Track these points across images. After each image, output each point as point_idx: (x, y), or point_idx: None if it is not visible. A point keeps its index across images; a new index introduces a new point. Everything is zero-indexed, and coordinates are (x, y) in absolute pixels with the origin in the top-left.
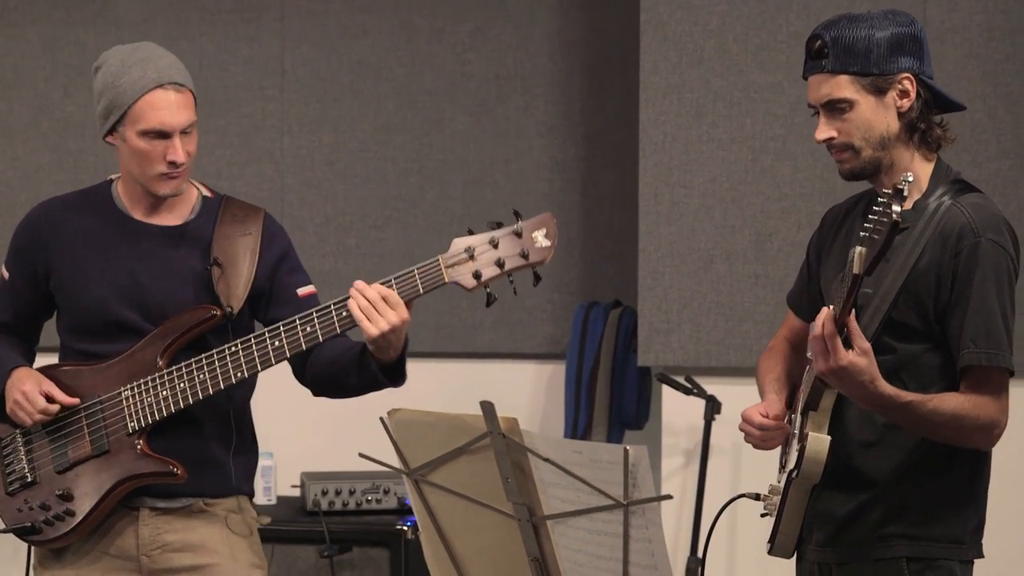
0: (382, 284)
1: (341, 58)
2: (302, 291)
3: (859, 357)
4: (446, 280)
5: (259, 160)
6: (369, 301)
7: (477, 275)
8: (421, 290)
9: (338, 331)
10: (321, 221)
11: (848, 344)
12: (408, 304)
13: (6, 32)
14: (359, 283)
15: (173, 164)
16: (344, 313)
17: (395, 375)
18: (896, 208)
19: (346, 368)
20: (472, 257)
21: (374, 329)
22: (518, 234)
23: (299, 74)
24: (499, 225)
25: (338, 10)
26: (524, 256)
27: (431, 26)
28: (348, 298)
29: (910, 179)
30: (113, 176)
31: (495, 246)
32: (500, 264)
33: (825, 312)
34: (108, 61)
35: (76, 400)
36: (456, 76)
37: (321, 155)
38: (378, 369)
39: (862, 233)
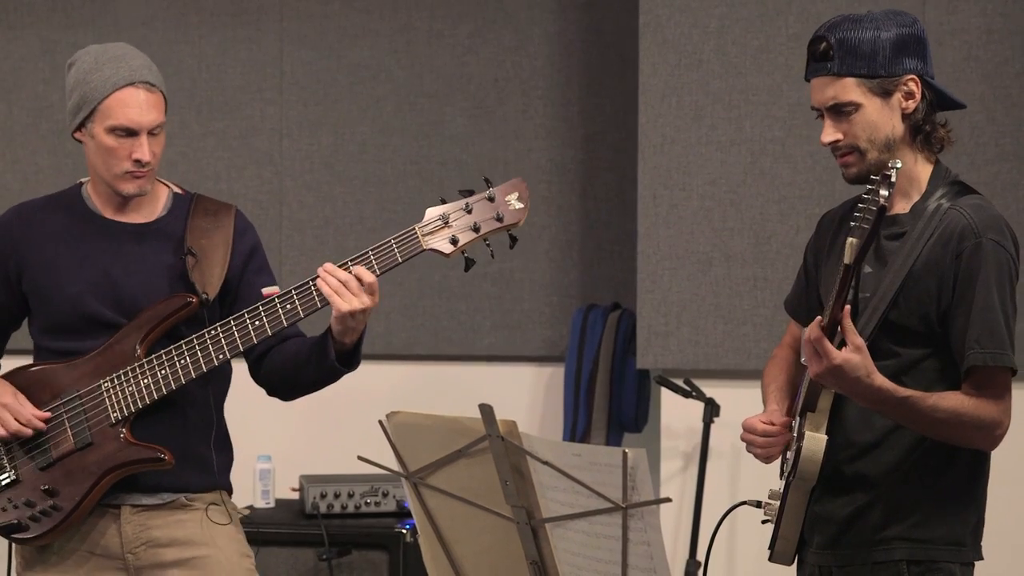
0: (359, 256)
1: (340, 60)
2: (266, 290)
3: (852, 354)
4: (424, 247)
5: (258, 162)
6: (340, 281)
7: (454, 240)
8: (399, 258)
9: (318, 306)
10: (320, 223)
11: (842, 342)
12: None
13: (6, 34)
14: (328, 265)
15: (138, 163)
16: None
17: (349, 360)
18: (884, 193)
19: (306, 360)
20: (447, 224)
21: (345, 305)
22: (491, 199)
23: (298, 76)
24: (471, 192)
25: (337, 12)
26: (499, 219)
27: (430, 28)
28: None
29: (898, 165)
30: (82, 180)
31: (469, 211)
32: (476, 228)
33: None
34: (81, 59)
35: (45, 417)
36: (455, 78)
37: (320, 157)
38: (335, 356)
39: (852, 223)
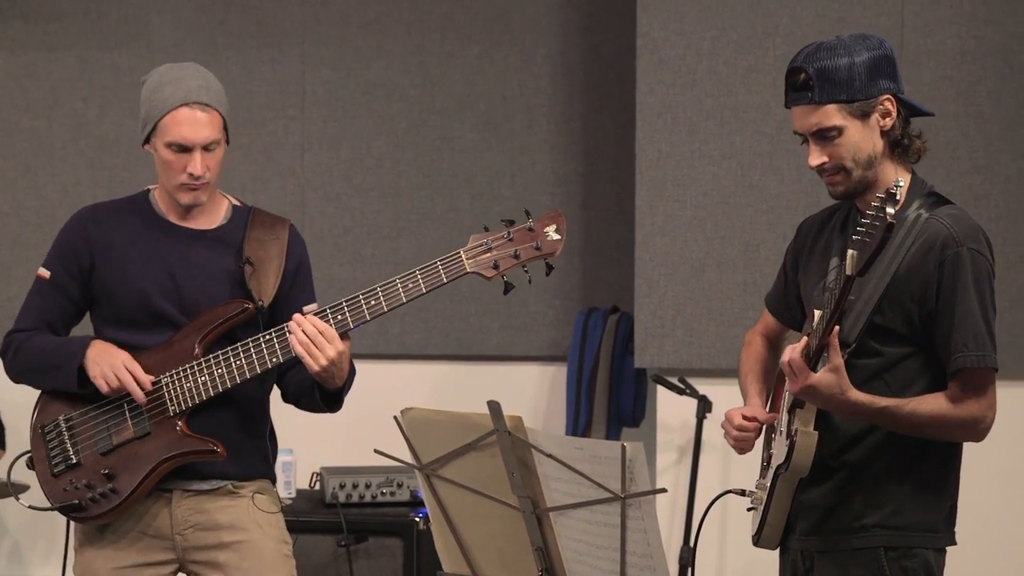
0: (407, 275)
1: (358, 80)
2: (307, 309)
3: (826, 374)
4: (468, 270)
5: (281, 175)
6: (308, 336)
7: (496, 265)
8: (445, 279)
9: (368, 317)
10: (339, 232)
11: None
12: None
13: (46, 56)
14: (297, 317)
15: (192, 176)
16: (373, 303)
17: (333, 401)
18: (890, 210)
19: (307, 389)
20: (490, 249)
21: (315, 365)
22: (531, 229)
23: (319, 95)
24: (512, 222)
25: (355, 35)
26: (538, 248)
27: (441, 50)
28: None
29: (901, 184)
30: (150, 187)
31: (510, 239)
32: (516, 256)
33: (791, 347)
34: (151, 78)
35: (148, 385)
36: (465, 96)
37: (339, 171)
38: (320, 397)
39: (854, 237)
